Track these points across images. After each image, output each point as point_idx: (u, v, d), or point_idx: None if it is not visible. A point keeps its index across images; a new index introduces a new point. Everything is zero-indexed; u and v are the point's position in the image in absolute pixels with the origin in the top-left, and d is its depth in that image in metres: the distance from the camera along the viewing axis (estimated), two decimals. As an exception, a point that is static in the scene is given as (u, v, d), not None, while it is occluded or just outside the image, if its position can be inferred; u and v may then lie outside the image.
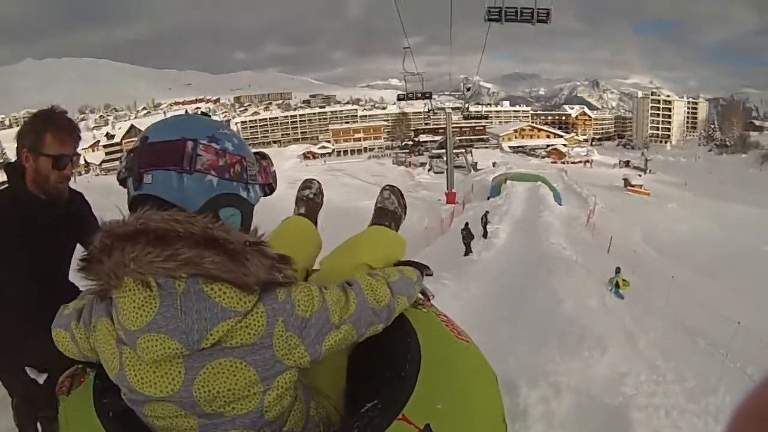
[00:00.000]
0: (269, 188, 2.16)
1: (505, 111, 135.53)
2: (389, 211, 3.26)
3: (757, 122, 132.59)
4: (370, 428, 1.81)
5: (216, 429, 1.78)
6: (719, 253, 40.14)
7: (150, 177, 1.79)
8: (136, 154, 1.84)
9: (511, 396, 4.57)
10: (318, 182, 3.80)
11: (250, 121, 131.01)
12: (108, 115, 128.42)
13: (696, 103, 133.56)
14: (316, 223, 3.55)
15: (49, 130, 3.08)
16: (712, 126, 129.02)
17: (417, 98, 72.51)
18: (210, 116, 2.58)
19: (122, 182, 1.92)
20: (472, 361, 2.30)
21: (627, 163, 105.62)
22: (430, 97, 71.63)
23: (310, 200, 3.67)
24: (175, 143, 1.80)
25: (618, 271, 20.90)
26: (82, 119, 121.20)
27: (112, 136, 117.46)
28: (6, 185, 3.21)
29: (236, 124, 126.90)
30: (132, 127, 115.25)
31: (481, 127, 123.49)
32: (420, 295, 2.57)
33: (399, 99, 78.40)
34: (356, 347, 2.34)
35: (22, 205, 3.12)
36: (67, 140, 3.17)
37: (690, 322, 18.10)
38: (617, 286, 20.62)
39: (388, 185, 3.49)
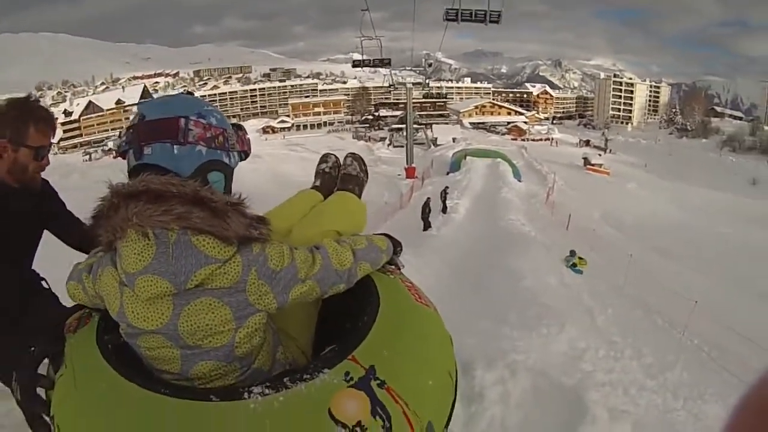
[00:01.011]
0: (245, 154, 2.59)
1: (466, 87, 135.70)
2: (353, 176, 3.70)
3: (718, 109, 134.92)
4: (323, 365, 2.10)
5: (194, 359, 2.14)
6: (678, 234, 40.58)
7: (150, 149, 2.19)
8: (136, 131, 2.23)
9: (467, 378, 4.32)
10: (335, 156, 4.07)
11: (210, 95, 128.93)
12: (66, 92, 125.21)
13: (658, 87, 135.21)
14: (328, 195, 3.77)
15: (32, 123, 3.14)
16: (674, 110, 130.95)
17: (374, 65, 70.50)
18: (194, 95, 2.86)
19: (122, 155, 2.31)
20: (427, 321, 2.70)
21: (587, 143, 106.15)
22: (389, 64, 69.15)
23: (326, 174, 3.96)
24: (171, 120, 2.20)
25: (573, 254, 20.80)
26: (40, 96, 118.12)
27: (70, 113, 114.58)
28: None
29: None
30: (90, 103, 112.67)
31: (442, 103, 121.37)
32: (391, 265, 3.02)
33: (354, 65, 75.04)
34: (325, 303, 2.91)
35: None
36: (48, 132, 3.28)
37: (648, 300, 18.20)
38: (574, 265, 20.57)
39: (350, 153, 3.92)
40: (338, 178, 3.86)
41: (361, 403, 2.01)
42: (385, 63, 68.17)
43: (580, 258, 20.98)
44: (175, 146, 2.18)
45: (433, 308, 2.84)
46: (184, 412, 1.96)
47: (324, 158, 4.07)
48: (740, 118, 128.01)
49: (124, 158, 2.30)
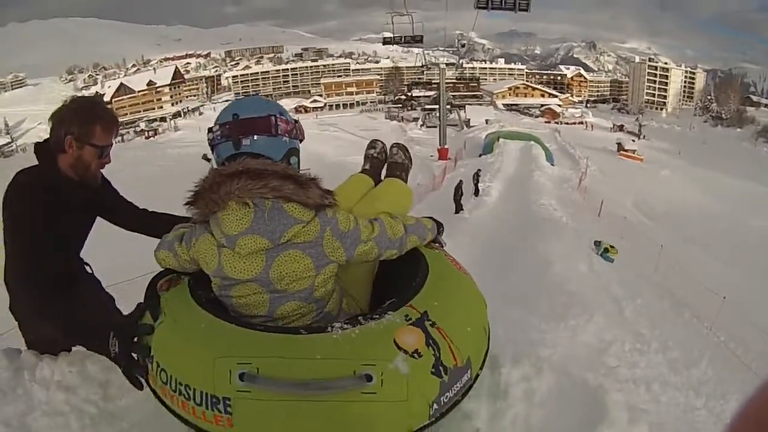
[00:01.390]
0: (301, 140, 3.20)
1: (500, 68, 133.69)
2: (399, 164, 4.26)
3: (754, 98, 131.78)
4: (388, 309, 2.70)
5: (281, 301, 2.76)
6: (711, 224, 40.09)
7: (248, 140, 2.84)
8: (232, 126, 2.86)
9: (494, 373, 4.40)
10: (382, 143, 4.55)
11: (242, 75, 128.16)
12: (97, 75, 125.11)
13: (693, 73, 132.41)
14: (377, 177, 4.34)
15: (99, 123, 3.36)
16: (709, 97, 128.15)
17: (406, 42, 68.78)
18: (267, 98, 3.69)
19: (213, 146, 2.97)
20: (466, 284, 3.31)
21: (621, 128, 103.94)
22: (420, 42, 67.34)
23: (374, 159, 4.43)
24: (264, 118, 2.89)
25: (598, 244, 20.56)
26: (71, 80, 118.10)
27: (102, 95, 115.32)
28: (36, 165, 3.40)
29: (227, 78, 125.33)
30: (121, 85, 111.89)
31: (475, 84, 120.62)
32: (435, 243, 3.68)
33: (385, 43, 73.88)
34: (380, 269, 3.64)
35: (54, 186, 3.31)
36: (113, 132, 3.50)
37: (677, 292, 18.04)
38: (606, 251, 20.37)
39: (395, 143, 4.48)
40: (385, 162, 4.39)
41: (418, 336, 2.55)
42: (416, 40, 66.38)
43: (611, 246, 20.79)
44: (269, 137, 2.87)
45: (470, 277, 3.46)
46: (277, 343, 2.47)
47: (372, 144, 4.56)
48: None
49: (212, 150, 2.98)
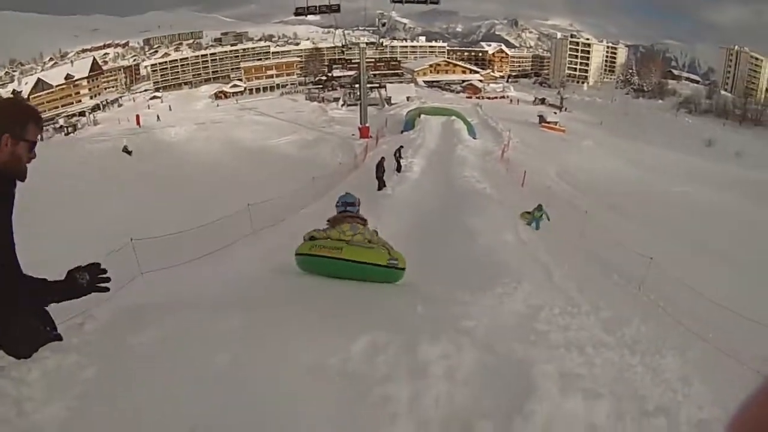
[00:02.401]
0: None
1: (421, 46, 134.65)
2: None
3: (675, 71, 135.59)
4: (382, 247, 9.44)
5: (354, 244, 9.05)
6: (634, 192, 40.79)
7: (353, 208, 10.01)
8: (345, 204, 10.02)
9: (412, 353, 3.79)
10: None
11: (160, 63, 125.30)
12: (14, 71, 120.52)
13: (615, 49, 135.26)
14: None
15: (32, 120, 3.52)
16: (630, 71, 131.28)
17: (321, 12, 65.79)
18: None
19: (338, 205, 9.99)
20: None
21: (543, 101, 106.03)
22: (337, 11, 64.92)
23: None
24: (357, 200, 10.37)
25: (540, 208, 20.33)
26: None
27: (19, 93, 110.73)
28: None
29: (146, 67, 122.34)
30: (39, 80, 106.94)
31: (396, 62, 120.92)
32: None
33: (297, 14, 69.44)
34: None
35: None
36: (40, 128, 3.66)
37: (604, 256, 18.19)
38: (533, 215, 20.23)
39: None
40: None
41: (387, 253, 9.18)
42: (333, 10, 64.20)
43: (528, 212, 20.67)
44: (355, 207, 9.87)
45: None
46: (348, 264, 8.66)
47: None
48: (697, 82, 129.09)
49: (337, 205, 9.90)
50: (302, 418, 4.10)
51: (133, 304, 11.85)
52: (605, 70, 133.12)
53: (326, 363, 4.79)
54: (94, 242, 16.76)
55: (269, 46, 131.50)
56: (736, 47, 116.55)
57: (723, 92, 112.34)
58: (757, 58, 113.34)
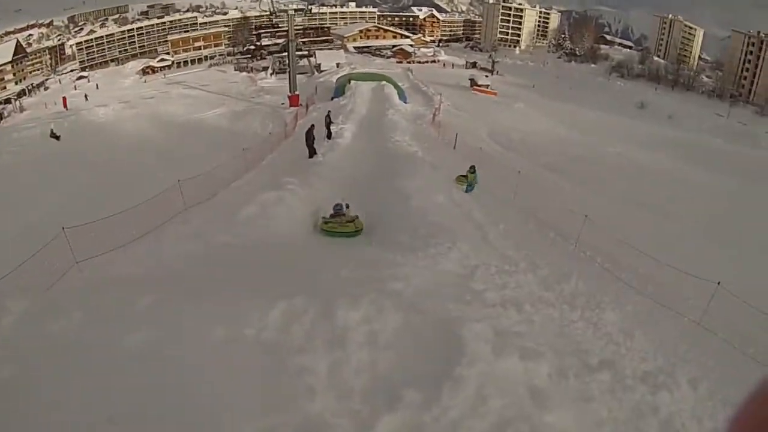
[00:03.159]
0: None
1: (351, 12, 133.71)
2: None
3: (608, 37, 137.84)
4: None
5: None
6: (567, 152, 41.11)
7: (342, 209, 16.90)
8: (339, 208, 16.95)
9: (326, 322, 3.44)
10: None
11: (86, 41, 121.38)
12: None
13: (548, 14, 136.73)
14: None
15: None
16: (563, 35, 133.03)
17: None
18: None
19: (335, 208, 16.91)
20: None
21: (474, 64, 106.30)
22: None
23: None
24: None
25: (473, 170, 20.20)
26: None
27: None
28: None
29: (71, 46, 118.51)
30: None
31: (326, 29, 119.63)
32: None
33: None
34: None
35: None
36: None
37: (539, 215, 18.08)
38: (467, 178, 20.10)
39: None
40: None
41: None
42: None
43: (463, 176, 20.57)
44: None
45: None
46: (340, 233, 15.70)
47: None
48: (630, 48, 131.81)
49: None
50: (219, 395, 3.82)
51: (53, 292, 11.47)
52: (537, 34, 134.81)
53: (242, 334, 4.48)
54: (27, 235, 16.45)
55: (196, 17, 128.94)
56: (670, 16, 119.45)
57: (656, 58, 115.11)
58: (690, 27, 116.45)
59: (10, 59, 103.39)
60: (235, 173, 23.02)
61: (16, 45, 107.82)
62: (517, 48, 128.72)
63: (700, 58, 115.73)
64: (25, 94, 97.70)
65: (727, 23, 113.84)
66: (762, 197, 33.86)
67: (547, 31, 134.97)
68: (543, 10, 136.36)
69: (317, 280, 6.53)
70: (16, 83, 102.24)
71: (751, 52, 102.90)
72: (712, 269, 13.37)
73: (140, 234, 15.25)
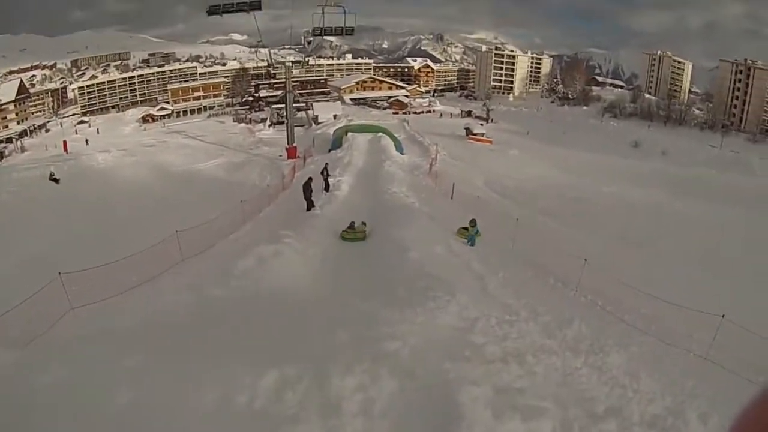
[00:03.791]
0: None
1: (347, 64, 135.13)
2: None
3: (599, 78, 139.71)
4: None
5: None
6: (563, 195, 41.09)
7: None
8: None
9: (322, 387, 3.32)
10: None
11: (88, 86, 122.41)
12: None
13: (540, 59, 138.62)
14: None
15: None
16: (555, 80, 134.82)
17: (238, 10, 58.97)
18: None
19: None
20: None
21: (469, 113, 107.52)
22: (258, 8, 58.47)
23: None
24: None
25: (474, 223, 20.18)
26: None
27: None
28: None
29: (73, 90, 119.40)
30: None
31: (323, 80, 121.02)
32: None
33: (210, 13, 61.06)
34: None
35: None
36: None
37: (539, 261, 18.14)
38: (474, 231, 20.04)
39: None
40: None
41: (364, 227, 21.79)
42: (253, 6, 58.28)
43: (465, 228, 20.53)
44: None
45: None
46: (350, 240, 20.64)
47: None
48: (621, 87, 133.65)
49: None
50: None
51: (44, 341, 11.35)
52: (530, 80, 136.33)
53: (233, 401, 4.34)
54: (21, 277, 16.35)
55: (196, 66, 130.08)
56: (659, 52, 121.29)
57: (647, 95, 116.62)
58: (679, 61, 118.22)
59: (13, 98, 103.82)
60: (232, 225, 23.00)
61: (20, 85, 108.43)
62: (511, 95, 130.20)
63: (690, 91, 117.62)
64: (26, 135, 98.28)
65: (714, 54, 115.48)
66: (758, 224, 34.16)
67: (539, 76, 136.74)
68: (535, 55, 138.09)
69: (312, 341, 6.39)
70: (18, 123, 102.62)
71: (740, 80, 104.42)
72: (714, 302, 13.38)
73: (137, 283, 15.19)
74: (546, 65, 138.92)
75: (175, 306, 12.23)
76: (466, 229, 20.41)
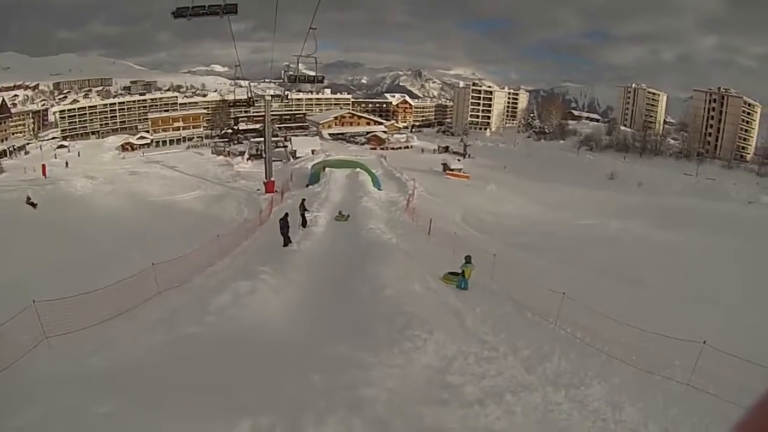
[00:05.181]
0: None
1: (326, 99, 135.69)
2: None
3: (575, 112, 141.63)
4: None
5: None
6: (540, 229, 41.36)
7: None
8: None
9: None
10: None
11: (69, 110, 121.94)
12: None
13: (517, 94, 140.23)
14: None
15: None
16: (532, 115, 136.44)
17: (208, 13, 59.55)
18: None
19: None
20: None
21: (446, 149, 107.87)
22: (234, 11, 60.13)
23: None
24: None
25: (469, 260, 19.87)
26: None
27: None
28: None
29: (54, 113, 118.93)
30: None
31: (301, 115, 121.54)
32: None
33: (177, 16, 60.98)
34: None
35: None
36: None
37: (516, 295, 18.06)
38: (463, 274, 19.68)
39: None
40: None
41: None
42: (228, 10, 58.08)
43: (453, 273, 20.21)
44: None
45: None
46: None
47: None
48: (597, 120, 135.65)
49: None
50: None
51: (17, 373, 11.13)
52: (507, 115, 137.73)
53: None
54: None
55: (177, 96, 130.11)
56: (634, 85, 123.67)
57: (623, 128, 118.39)
58: (653, 93, 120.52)
59: None
60: (209, 259, 22.82)
61: (2, 103, 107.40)
62: (488, 130, 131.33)
63: (665, 121, 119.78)
64: (5, 155, 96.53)
65: (688, 84, 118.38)
66: (734, 249, 35.07)
67: (516, 111, 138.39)
68: (512, 90, 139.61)
69: (286, 386, 6.27)
70: None
71: (714, 108, 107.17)
72: (695, 328, 13.56)
73: (112, 315, 14.98)
74: (523, 100, 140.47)
75: (150, 345, 12.05)
76: (453, 274, 20.02)
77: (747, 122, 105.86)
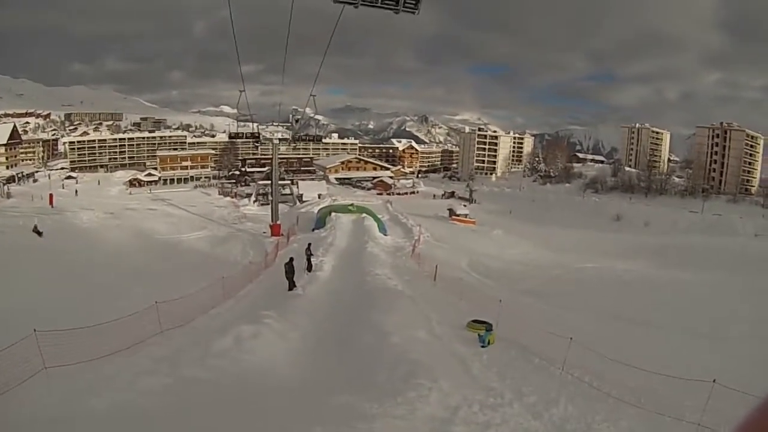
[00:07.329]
0: None
1: (333, 143, 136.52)
2: None
3: (580, 155, 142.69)
4: None
5: None
6: (546, 274, 41.04)
7: None
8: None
9: None
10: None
11: (79, 141, 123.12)
12: None
13: (522, 138, 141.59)
14: None
15: None
16: (537, 159, 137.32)
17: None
18: None
19: None
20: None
21: (452, 194, 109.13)
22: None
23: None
24: None
25: (490, 328, 19.73)
26: None
27: None
28: None
29: (64, 144, 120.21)
30: None
31: (309, 159, 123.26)
32: None
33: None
34: None
35: None
36: None
37: (522, 341, 17.80)
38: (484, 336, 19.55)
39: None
40: None
41: None
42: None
43: (479, 321, 20.03)
44: None
45: None
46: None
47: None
48: (602, 162, 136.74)
49: None
50: None
51: (18, 406, 10.99)
52: (513, 159, 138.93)
53: None
54: None
55: (186, 135, 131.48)
56: (637, 124, 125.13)
57: (627, 168, 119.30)
58: (657, 132, 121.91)
59: (5, 142, 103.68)
60: (213, 300, 22.70)
61: (13, 129, 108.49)
62: (494, 175, 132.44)
63: (669, 159, 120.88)
64: (14, 181, 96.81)
65: (691, 121, 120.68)
66: (742, 283, 34.38)
67: (521, 156, 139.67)
68: (517, 135, 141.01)
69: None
70: (8, 167, 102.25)
71: (717, 144, 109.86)
72: (704, 366, 13.76)
73: (114, 350, 14.83)
74: (528, 144, 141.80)
75: (149, 387, 11.90)
76: (477, 322, 19.90)
77: (750, 155, 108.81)
